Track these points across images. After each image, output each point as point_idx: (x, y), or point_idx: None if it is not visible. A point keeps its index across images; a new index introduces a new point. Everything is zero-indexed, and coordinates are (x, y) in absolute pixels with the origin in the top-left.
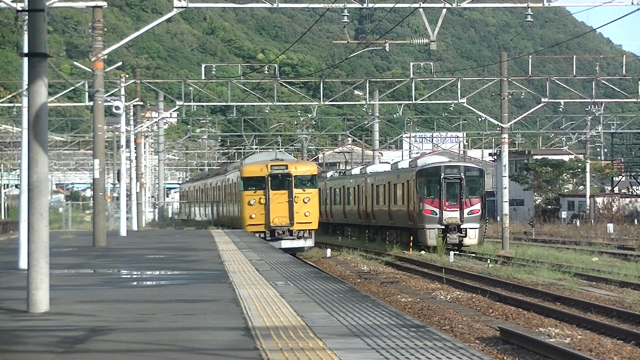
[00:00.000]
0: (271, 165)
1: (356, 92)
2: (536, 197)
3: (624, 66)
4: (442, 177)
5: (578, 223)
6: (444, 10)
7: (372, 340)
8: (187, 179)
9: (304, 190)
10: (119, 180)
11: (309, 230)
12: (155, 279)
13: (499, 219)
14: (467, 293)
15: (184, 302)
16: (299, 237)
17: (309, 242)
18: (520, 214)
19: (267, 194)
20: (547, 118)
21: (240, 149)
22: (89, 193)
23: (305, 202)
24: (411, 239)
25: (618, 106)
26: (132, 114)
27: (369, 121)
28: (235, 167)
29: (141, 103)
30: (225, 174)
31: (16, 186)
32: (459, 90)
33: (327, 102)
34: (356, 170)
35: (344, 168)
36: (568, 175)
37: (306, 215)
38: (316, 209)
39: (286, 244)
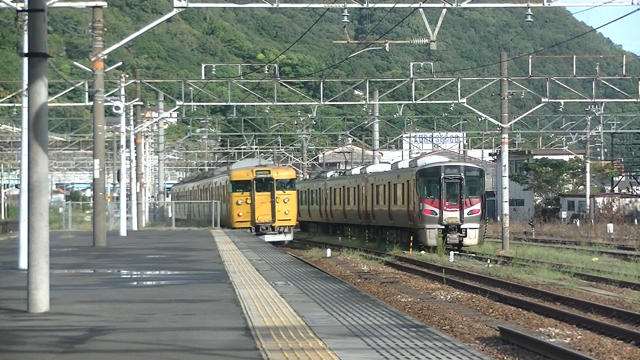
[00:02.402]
0: (256, 171)
1: (356, 92)
2: (536, 197)
3: (624, 66)
4: (442, 177)
5: (578, 223)
6: (444, 10)
7: (372, 340)
8: (177, 182)
9: (284, 192)
10: (119, 180)
11: (289, 226)
12: (155, 279)
13: (499, 219)
14: (467, 293)
15: (184, 302)
16: (279, 232)
17: (289, 237)
18: (520, 214)
19: (252, 195)
20: (547, 118)
21: (240, 149)
22: (89, 193)
23: (285, 202)
24: (411, 239)
25: (618, 106)
26: (132, 114)
27: (369, 121)
28: (222, 172)
29: (141, 103)
30: (213, 177)
31: (16, 186)
32: (459, 90)
33: (327, 102)
34: (356, 170)
35: (344, 168)
36: (568, 175)
37: (286, 214)
38: (294, 208)
39: (269, 238)
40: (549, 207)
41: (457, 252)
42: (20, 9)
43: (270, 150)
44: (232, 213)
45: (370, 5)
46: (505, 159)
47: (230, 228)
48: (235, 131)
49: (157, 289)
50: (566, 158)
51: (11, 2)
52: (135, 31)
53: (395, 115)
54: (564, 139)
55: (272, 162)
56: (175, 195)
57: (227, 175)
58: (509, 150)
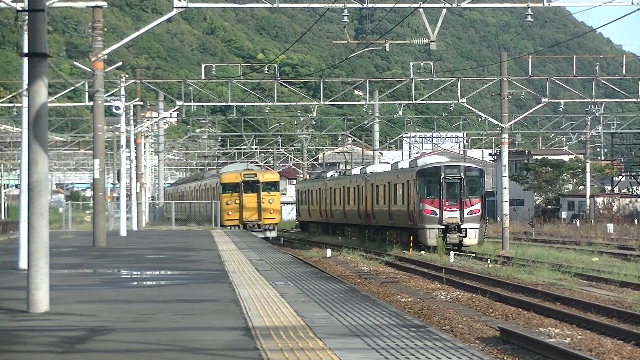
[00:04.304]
0: (244, 174)
1: (356, 92)
2: (536, 197)
3: (624, 66)
4: (442, 177)
5: (578, 223)
6: (444, 10)
7: (372, 340)
8: (171, 183)
9: (269, 193)
10: (119, 180)
11: (273, 224)
12: (155, 279)
13: (499, 219)
14: (467, 293)
15: (184, 302)
16: (265, 230)
17: (273, 234)
18: (520, 214)
19: (240, 196)
20: (547, 118)
21: (241, 149)
22: (89, 193)
23: (270, 203)
24: (411, 239)
25: (618, 106)
26: (132, 114)
27: (369, 121)
28: (212, 175)
29: (141, 103)
30: (204, 180)
31: (16, 186)
32: (459, 90)
33: (327, 102)
34: (356, 170)
35: (344, 168)
36: (568, 175)
37: (271, 213)
38: (278, 208)
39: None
40: (549, 207)
41: (457, 252)
42: (20, 9)
43: (270, 150)
44: (222, 212)
45: (370, 5)
46: (505, 159)
47: (219, 226)
48: (235, 131)
49: (157, 289)
50: (566, 158)
51: (11, 2)
52: (135, 31)
53: (395, 115)
54: (564, 139)
55: (272, 162)
56: (170, 196)
57: (217, 178)
58: (509, 150)
